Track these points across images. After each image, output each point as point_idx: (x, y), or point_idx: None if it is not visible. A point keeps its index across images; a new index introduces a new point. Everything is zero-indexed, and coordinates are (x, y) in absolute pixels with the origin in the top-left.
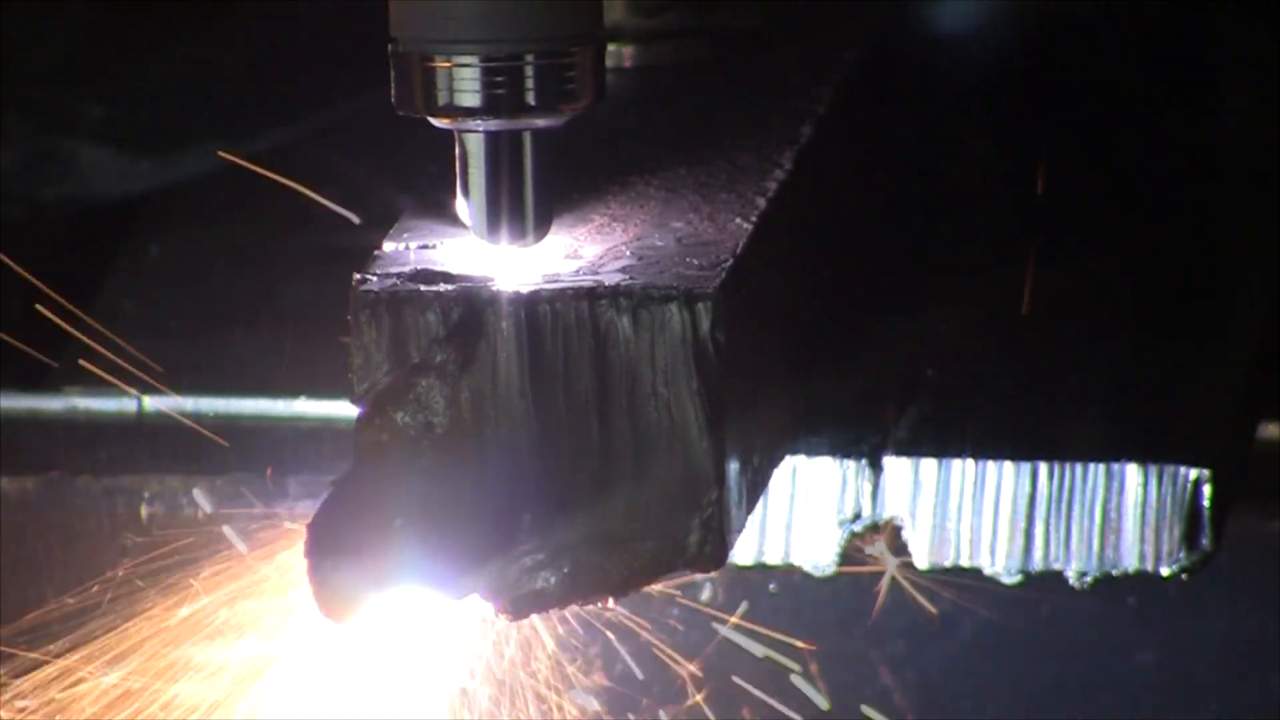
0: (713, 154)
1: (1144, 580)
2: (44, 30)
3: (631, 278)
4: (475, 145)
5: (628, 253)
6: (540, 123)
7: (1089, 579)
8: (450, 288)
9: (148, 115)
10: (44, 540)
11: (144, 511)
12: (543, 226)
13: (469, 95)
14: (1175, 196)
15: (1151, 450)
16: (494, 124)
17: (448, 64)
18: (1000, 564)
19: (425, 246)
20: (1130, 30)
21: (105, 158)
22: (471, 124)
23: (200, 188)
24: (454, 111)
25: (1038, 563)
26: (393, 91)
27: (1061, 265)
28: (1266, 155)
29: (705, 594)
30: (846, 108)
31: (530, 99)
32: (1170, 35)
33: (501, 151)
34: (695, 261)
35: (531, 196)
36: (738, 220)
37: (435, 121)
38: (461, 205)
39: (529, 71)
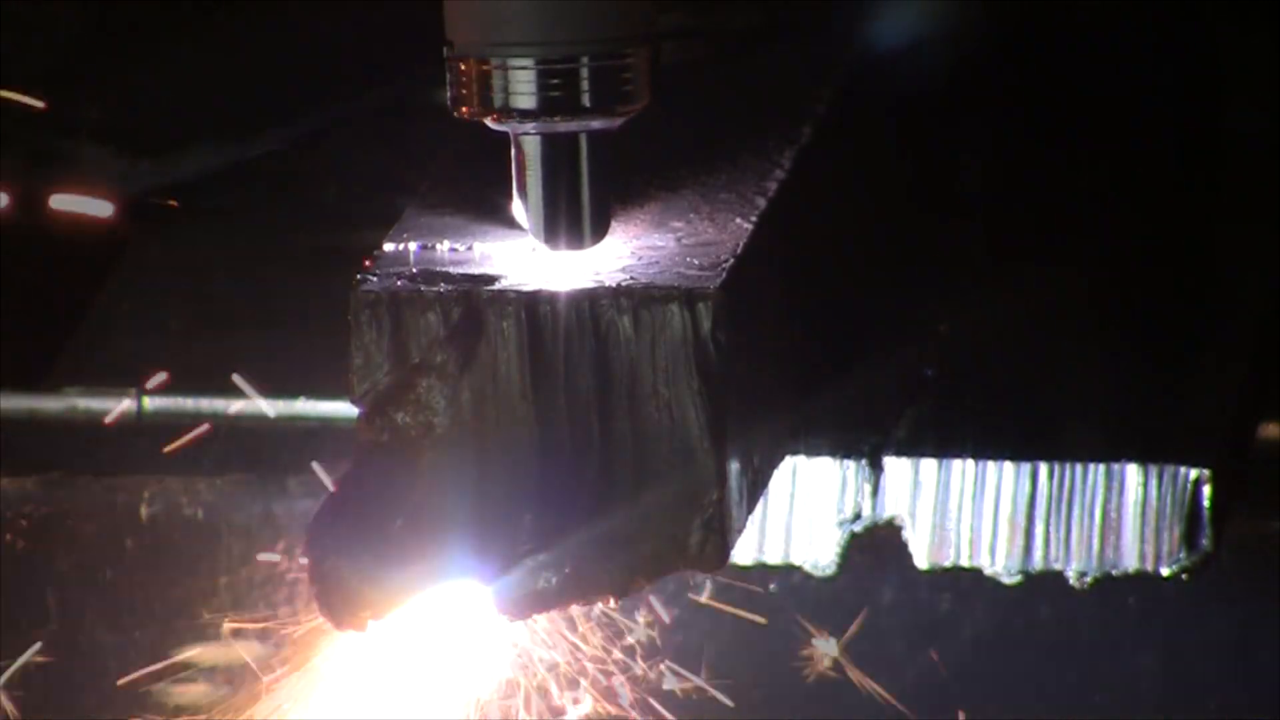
0: (713, 154)
1: (1144, 580)
2: (44, 30)
3: (632, 277)
4: (532, 148)
5: (628, 253)
6: (596, 124)
7: (1089, 579)
8: (450, 288)
9: (148, 115)
10: (44, 540)
11: (144, 511)
12: (600, 229)
13: (525, 97)
14: (1175, 197)
15: (1151, 450)
16: (550, 126)
17: (503, 66)
18: (1000, 564)
19: (425, 246)
20: (1129, 31)
21: (105, 158)
22: (528, 126)
23: (200, 188)
24: (510, 113)
25: (1038, 563)
26: (448, 94)
27: (1061, 266)
28: (1266, 155)
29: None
30: (847, 107)
31: (586, 100)
32: (1170, 36)
33: (558, 154)
34: (696, 261)
35: (588, 199)
36: (738, 220)
37: (491, 124)
38: (518, 208)
39: (584, 73)
